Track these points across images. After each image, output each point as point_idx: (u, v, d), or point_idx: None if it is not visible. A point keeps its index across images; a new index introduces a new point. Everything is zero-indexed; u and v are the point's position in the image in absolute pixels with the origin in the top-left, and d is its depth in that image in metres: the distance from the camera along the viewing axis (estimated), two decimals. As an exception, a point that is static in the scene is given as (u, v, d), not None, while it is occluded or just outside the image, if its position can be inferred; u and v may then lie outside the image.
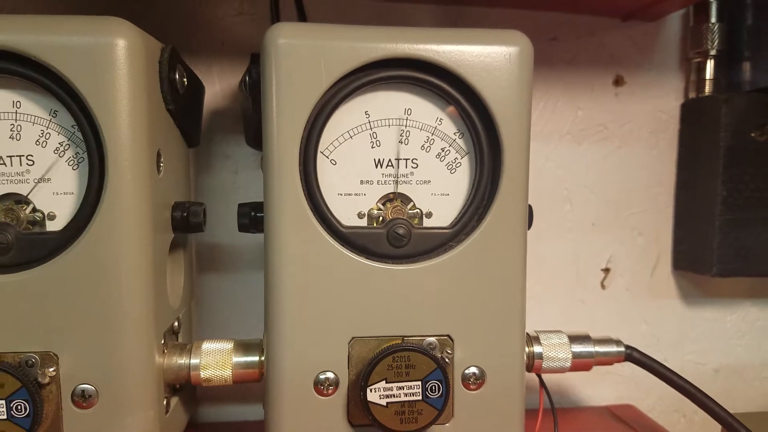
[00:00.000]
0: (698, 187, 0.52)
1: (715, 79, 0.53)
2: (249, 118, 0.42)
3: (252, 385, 0.43)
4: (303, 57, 0.35)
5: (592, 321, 0.55)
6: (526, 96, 0.37)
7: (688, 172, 0.53)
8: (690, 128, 0.54)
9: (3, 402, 0.32)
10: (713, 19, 0.53)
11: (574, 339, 0.43)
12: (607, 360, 0.44)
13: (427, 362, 0.35)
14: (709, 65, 0.53)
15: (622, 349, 0.44)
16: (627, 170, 0.54)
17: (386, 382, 0.35)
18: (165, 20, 0.49)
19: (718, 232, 0.49)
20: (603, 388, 0.56)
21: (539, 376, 0.43)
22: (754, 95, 0.50)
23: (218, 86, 0.50)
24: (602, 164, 0.54)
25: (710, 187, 0.50)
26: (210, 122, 0.50)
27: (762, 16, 0.52)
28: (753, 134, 0.49)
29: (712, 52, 0.53)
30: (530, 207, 0.41)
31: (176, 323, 0.41)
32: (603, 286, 0.55)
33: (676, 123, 0.55)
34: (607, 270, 0.55)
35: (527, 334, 0.42)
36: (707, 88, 0.53)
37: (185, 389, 0.43)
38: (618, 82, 0.54)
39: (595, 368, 0.55)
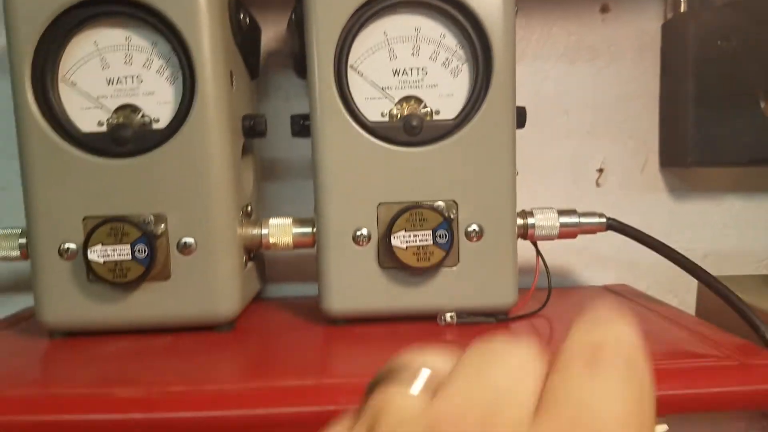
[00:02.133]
0: (675, 92, 0.61)
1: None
2: (296, 53, 0.54)
3: (308, 266, 0.55)
4: (333, -9, 0.47)
5: (590, 213, 0.65)
6: (510, 7, 0.47)
7: (668, 80, 0.62)
8: (668, 44, 0.63)
9: (128, 246, 0.45)
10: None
11: (561, 212, 0.53)
12: (590, 229, 0.53)
13: (436, 216, 0.47)
14: (684, -12, 0.62)
15: (604, 219, 0.53)
16: (616, 84, 0.64)
17: (405, 231, 0.47)
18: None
19: (690, 126, 0.59)
20: (601, 272, 0.66)
21: (535, 245, 0.54)
22: (718, 10, 0.59)
23: (272, 31, 0.62)
24: (594, 79, 0.64)
25: (683, 89, 0.59)
26: (266, 60, 0.62)
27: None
28: (719, 42, 0.58)
29: (687, -25, 0.61)
30: (523, 108, 0.52)
31: (249, 207, 0.54)
32: (598, 184, 0.65)
33: (659, 41, 0.64)
34: (601, 170, 0.65)
35: (523, 209, 0.53)
36: (682, 7, 0.62)
37: (258, 260, 0.56)
38: (604, 9, 0.63)
39: (593, 254, 0.66)
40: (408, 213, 0.47)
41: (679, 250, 0.51)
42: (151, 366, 0.43)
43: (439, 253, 0.47)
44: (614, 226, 0.54)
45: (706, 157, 0.59)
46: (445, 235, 0.47)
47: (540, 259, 0.54)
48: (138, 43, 0.47)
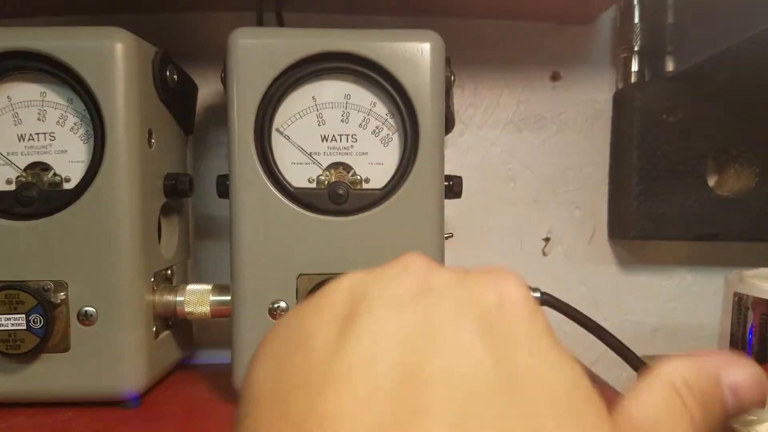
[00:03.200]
0: (621, 164, 0.59)
1: (640, 71, 0.61)
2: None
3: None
4: (256, 53, 0.45)
5: (535, 284, 0.62)
6: (438, 83, 0.46)
7: (616, 152, 0.61)
8: (617, 115, 0.61)
9: (23, 316, 0.42)
10: (636, 20, 0.61)
11: (496, 287, 0.51)
12: (526, 305, 0.51)
13: (356, 292, 0.44)
14: (635, 60, 0.61)
15: (538, 294, 0.51)
16: (564, 153, 0.62)
17: (322, 307, 0.44)
18: (174, 34, 0.60)
19: (634, 200, 0.57)
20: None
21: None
22: (664, 82, 0.57)
23: (213, 87, 0.61)
24: (541, 148, 0.62)
25: (628, 162, 0.58)
26: (206, 116, 0.61)
27: (681, 16, 0.60)
28: (664, 116, 0.57)
29: (636, 48, 0.61)
30: (459, 178, 0.50)
31: (169, 271, 0.51)
32: (544, 253, 0.63)
33: (609, 111, 0.63)
34: (547, 239, 0.63)
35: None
36: (633, 79, 0.61)
37: (179, 327, 0.53)
38: (555, 77, 0.62)
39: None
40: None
41: (628, 323, 0.50)
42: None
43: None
44: (548, 301, 0.52)
45: (649, 232, 0.57)
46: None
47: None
48: (53, 100, 0.45)
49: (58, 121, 0.45)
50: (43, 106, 0.45)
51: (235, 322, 0.46)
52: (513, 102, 0.62)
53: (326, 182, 0.47)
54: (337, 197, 0.46)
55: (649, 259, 0.64)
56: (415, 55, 0.46)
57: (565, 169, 0.63)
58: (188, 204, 0.57)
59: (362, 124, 0.47)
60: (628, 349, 0.51)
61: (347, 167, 0.47)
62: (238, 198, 0.45)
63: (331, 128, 0.47)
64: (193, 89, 0.56)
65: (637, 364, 0.50)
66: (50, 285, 0.43)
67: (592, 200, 0.63)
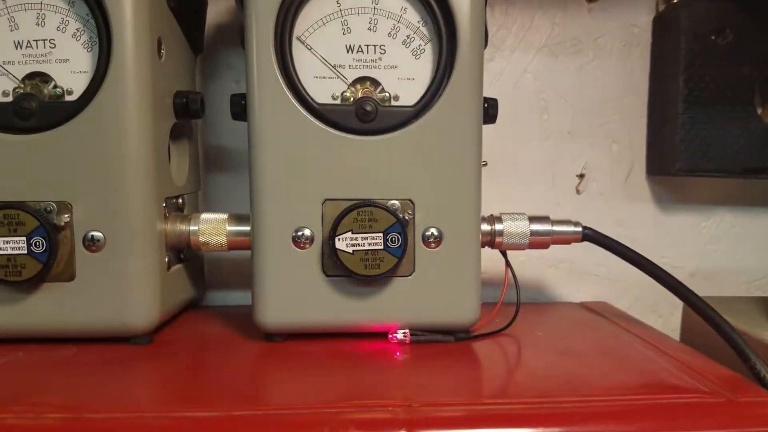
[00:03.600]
0: (663, 91, 0.55)
1: (684, -8, 0.56)
2: (242, 25, 0.47)
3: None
4: (279, -49, 0.40)
5: (568, 222, 0.59)
6: (479, -14, 0.41)
7: (658, 80, 0.57)
8: (659, 39, 0.57)
9: (24, 238, 0.38)
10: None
11: (533, 219, 0.47)
12: (564, 239, 0.47)
13: (387, 217, 0.40)
14: (679, -22, 0.56)
15: (579, 229, 0.47)
16: (601, 81, 0.58)
17: (352, 233, 0.40)
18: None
19: (680, 128, 0.53)
20: (580, 288, 0.60)
21: (504, 254, 0.48)
22: (713, 1, 0.53)
23: (223, 3, 0.56)
24: (577, 76, 0.58)
25: (673, 87, 0.53)
26: (214, 36, 0.56)
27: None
28: (713, 37, 0.52)
29: (681, -35, 0.56)
30: (495, 100, 0.46)
31: (180, 200, 0.47)
32: (578, 191, 0.59)
33: (649, 36, 0.58)
34: (581, 176, 0.59)
35: (491, 214, 0.47)
36: (675, 0, 0.56)
37: (192, 262, 0.49)
38: (591, -2, 0.58)
39: (572, 268, 0.60)
40: (356, 211, 0.40)
41: (665, 267, 0.46)
42: (46, 384, 0.36)
43: (390, 260, 0.41)
44: (591, 236, 0.48)
45: (697, 165, 0.53)
46: (398, 239, 0.40)
47: (509, 270, 0.48)
48: (52, 2, 0.41)
49: (58, 27, 0.41)
50: (41, 9, 0.41)
51: (256, 251, 0.42)
52: (547, 24, 0.57)
53: (351, 99, 0.43)
54: (365, 114, 0.42)
55: (688, 197, 0.60)
56: (456, -46, 0.41)
57: (601, 100, 0.58)
58: (197, 129, 0.53)
59: (391, 33, 0.43)
60: (685, 286, 0.46)
61: (375, 82, 0.43)
62: (258, 116, 0.41)
63: (357, 37, 0.43)
64: (203, 3, 0.52)
65: (697, 303, 0.45)
66: (53, 206, 0.39)
67: (630, 134, 0.59)
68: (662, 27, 0.56)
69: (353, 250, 0.40)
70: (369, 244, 0.40)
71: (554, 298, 0.60)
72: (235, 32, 0.56)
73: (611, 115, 0.59)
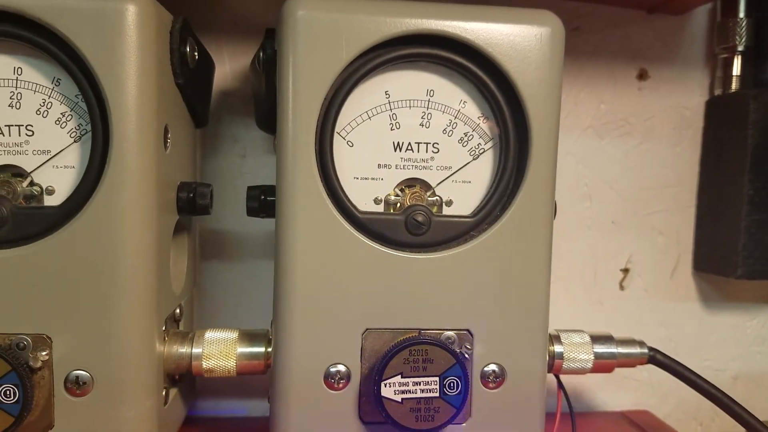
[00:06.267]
0: (723, 187, 0.50)
1: (743, 75, 0.51)
2: (260, 99, 0.40)
3: (253, 379, 0.40)
4: (323, 30, 0.33)
5: (609, 322, 0.53)
6: (556, 79, 0.35)
7: (712, 171, 0.51)
8: (715, 126, 0.52)
9: (-8, 387, 0.30)
10: (741, 14, 0.51)
11: (596, 339, 0.41)
12: (629, 362, 0.41)
13: (446, 357, 0.33)
14: (737, 61, 0.51)
15: (646, 350, 0.42)
16: (648, 167, 0.52)
17: (402, 377, 0.33)
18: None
19: (744, 232, 0.47)
20: (619, 393, 0.54)
21: (557, 377, 0.41)
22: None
23: (228, 66, 0.48)
24: (624, 160, 0.52)
25: (736, 186, 0.48)
26: (218, 103, 0.48)
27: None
28: (783, 132, 0.47)
29: (740, 48, 0.51)
30: (554, 202, 0.39)
31: (178, 310, 0.39)
32: (622, 287, 0.53)
33: (701, 120, 0.53)
34: (626, 270, 0.53)
35: (549, 333, 0.40)
36: (734, 85, 0.51)
37: (185, 380, 0.41)
38: (642, 76, 0.52)
39: (612, 373, 0.54)
40: (407, 350, 0.33)
41: (707, 370, 0.41)
42: None
43: (447, 410, 0.33)
44: (657, 360, 0.42)
45: (761, 271, 0.48)
46: (457, 384, 0.33)
47: (562, 395, 0.41)
48: (31, 79, 0.32)
49: (38, 110, 0.32)
50: (17, 86, 0.32)
51: (279, 388, 0.34)
52: (594, 102, 0.51)
53: (397, 204, 0.36)
54: (417, 226, 0.35)
55: (732, 294, 0.55)
56: (531, 41, 0.35)
57: (648, 188, 0.52)
58: (196, 219, 0.45)
59: (447, 130, 0.36)
60: (749, 412, 0.41)
61: (425, 185, 0.36)
62: (291, 223, 0.34)
63: (406, 134, 0.36)
64: (211, 69, 0.44)
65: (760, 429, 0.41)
66: (26, 341, 0.31)
67: (677, 225, 0.53)
68: (721, 114, 0.51)
69: (402, 398, 0.33)
70: (422, 391, 0.33)
71: (593, 406, 0.54)
72: (246, 102, 0.48)
73: (657, 204, 0.53)
